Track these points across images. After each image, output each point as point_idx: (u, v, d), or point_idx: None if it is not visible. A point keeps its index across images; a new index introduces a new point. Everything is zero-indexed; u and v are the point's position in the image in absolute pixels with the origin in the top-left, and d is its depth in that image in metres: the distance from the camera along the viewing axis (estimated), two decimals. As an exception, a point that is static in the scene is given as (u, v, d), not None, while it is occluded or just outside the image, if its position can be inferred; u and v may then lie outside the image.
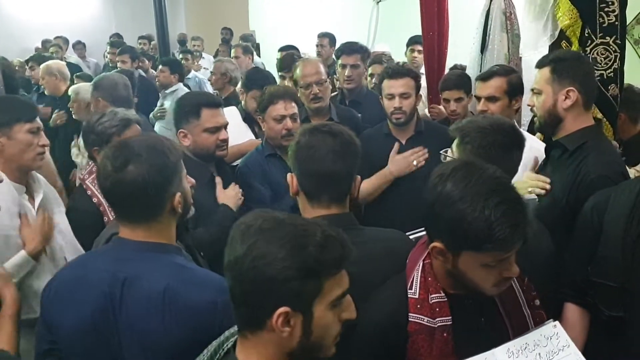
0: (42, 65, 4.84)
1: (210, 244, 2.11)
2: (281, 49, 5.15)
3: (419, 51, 4.48)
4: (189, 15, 11.43)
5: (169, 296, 1.38)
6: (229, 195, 2.47)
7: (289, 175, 1.64)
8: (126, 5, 11.00)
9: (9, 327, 1.64)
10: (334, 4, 7.46)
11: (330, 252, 1.07)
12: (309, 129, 1.65)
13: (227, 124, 2.56)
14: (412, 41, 4.70)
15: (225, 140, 2.53)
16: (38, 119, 2.23)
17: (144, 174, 1.42)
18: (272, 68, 6.31)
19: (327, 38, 5.72)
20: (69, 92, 4.16)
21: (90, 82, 4.57)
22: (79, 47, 9.67)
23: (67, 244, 2.28)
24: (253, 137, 3.34)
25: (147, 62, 6.76)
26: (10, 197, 2.11)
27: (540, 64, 2.15)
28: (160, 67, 5.24)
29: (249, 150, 2.94)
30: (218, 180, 2.50)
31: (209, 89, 6.80)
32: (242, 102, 3.50)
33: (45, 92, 4.84)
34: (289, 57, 4.07)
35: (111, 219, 2.38)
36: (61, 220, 2.31)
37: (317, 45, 5.76)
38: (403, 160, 2.76)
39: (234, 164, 2.98)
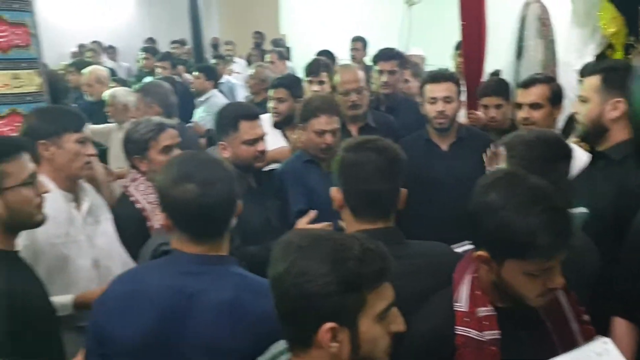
0: (88, 71, 4.90)
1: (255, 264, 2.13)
2: (318, 54, 5.18)
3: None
4: (222, 20, 11.55)
5: (237, 306, 1.41)
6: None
7: (333, 189, 1.66)
8: (161, 10, 11.17)
9: None
10: (364, 7, 7.46)
11: (369, 265, 1.08)
12: (354, 144, 1.66)
13: (264, 134, 2.58)
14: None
15: (264, 151, 2.56)
16: (86, 129, 2.29)
17: (228, 192, 1.46)
18: (303, 72, 6.37)
19: (360, 42, 5.76)
20: (105, 96, 4.24)
21: (125, 87, 4.73)
22: (111, 51, 9.85)
23: (113, 251, 2.32)
24: (284, 143, 3.37)
25: (180, 66, 6.86)
26: (58, 205, 2.16)
27: (588, 72, 2.12)
28: (195, 73, 5.31)
29: (279, 157, 2.96)
30: (311, 213, 2.41)
31: (241, 93, 6.90)
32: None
33: (88, 98, 4.92)
34: (316, 62, 4.09)
35: (154, 224, 2.45)
36: (108, 228, 2.38)
37: (351, 49, 5.79)
38: None
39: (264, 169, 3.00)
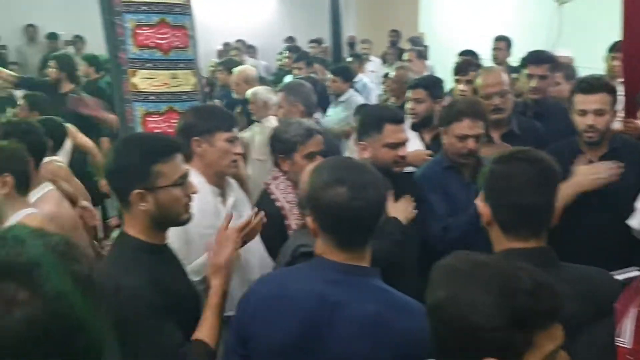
0: (237, 71, 5.13)
1: (382, 258, 2.11)
2: (460, 54, 5.03)
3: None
4: (359, 18, 11.63)
5: (381, 322, 1.39)
6: (400, 209, 2.40)
7: (480, 204, 1.58)
8: (301, 9, 11.47)
9: (211, 318, 1.71)
10: (509, 5, 7.13)
11: (542, 302, 0.99)
12: (505, 156, 1.57)
13: (407, 140, 2.53)
14: (616, 47, 4.25)
15: (404, 157, 2.51)
16: (235, 129, 2.39)
17: (378, 197, 1.46)
18: (441, 72, 6.21)
19: (504, 41, 5.50)
20: (248, 95, 4.43)
21: (265, 85, 4.90)
22: (251, 50, 10.25)
23: (252, 245, 2.41)
24: (420, 146, 3.29)
25: (317, 65, 6.98)
26: (207, 199, 2.28)
27: None
28: (332, 76, 5.38)
29: (415, 161, 2.90)
30: (389, 192, 2.49)
31: (374, 92, 6.90)
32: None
33: (234, 96, 5.18)
34: (465, 62, 3.98)
35: (291, 223, 2.52)
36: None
37: (493, 49, 5.55)
38: (591, 170, 2.47)
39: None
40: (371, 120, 2.52)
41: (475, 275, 1.02)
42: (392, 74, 4.83)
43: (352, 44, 9.62)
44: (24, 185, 2.23)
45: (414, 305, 1.42)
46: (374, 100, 6.35)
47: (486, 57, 5.41)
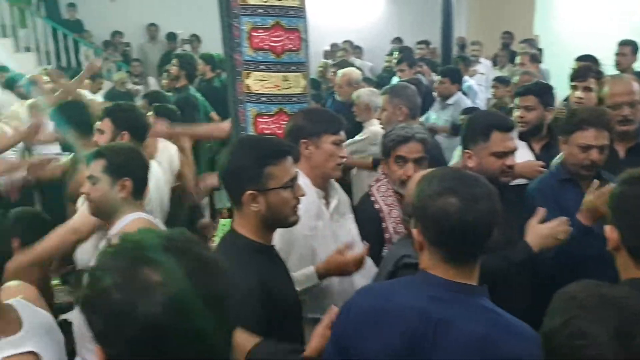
0: (341, 73, 5.14)
1: (489, 274, 2.03)
2: (578, 59, 4.75)
3: None
4: (470, 19, 11.32)
5: (489, 344, 1.34)
6: (540, 234, 2.16)
7: (607, 227, 1.48)
8: (410, 10, 11.32)
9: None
10: (637, 7, 6.63)
11: None
12: (635, 176, 1.47)
13: (516, 149, 2.41)
14: None
15: (512, 166, 2.39)
16: (342, 133, 2.40)
17: (491, 210, 1.41)
18: (555, 76, 5.89)
19: (629, 46, 5.11)
20: (353, 96, 4.44)
21: (371, 87, 4.88)
22: (357, 50, 10.25)
23: (354, 247, 2.41)
24: (530, 156, 3.12)
25: (425, 67, 6.87)
26: (311, 200, 2.31)
27: None
28: (439, 77, 5.27)
29: (525, 172, 2.76)
30: (540, 210, 2.26)
31: (481, 95, 6.68)
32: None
33: (337, 98, 5.21)
34: (584, 67, 3.74)
35: (389, 226, 2.50)
36: (351, 225, 2.48)
37: (616, 54, 5.18)
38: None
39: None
40: (478, 127, 2.42)
41: (594, 308, 0.98)
42: (516, 78, 4.65)
43: (462, 46, 9.37)
44: (140, 191, 2.28)
45: (525, 329, 1.36)
46: (480, 104, 6.16)
47: (608, 63, 5.05)
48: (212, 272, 0.91)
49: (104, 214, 2.25)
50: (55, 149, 4.38)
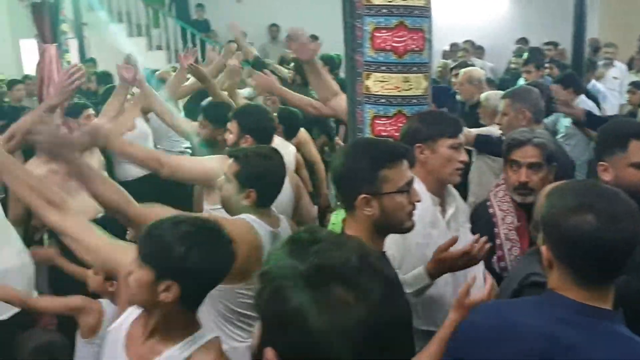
0: (462, 72, 5.01)
1: (628, 297, 1.84)
2: None
3: None
4: (603, 19, 10.54)
5: None
6: None
7: None
8: (537, 9, 10.75)
9: (433, 348, 1.64)
10: None
11: None
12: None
13: None
14: None
15: None
16: (461, 136, 2.30)
17: (633, 231, 1.29)
18: None
19: None
20: (481, 98, 4.26)
21: (492, 88, 4.67)
22: (479, 51, 9.90)
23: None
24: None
25: (555, 69, 6.48)
26: (425, 206, 2.23)
27: None
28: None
29: None
30: None
31: (613, 101, 6.18)
32: None
33: (458, 97, 5.06)
34: None
35: (501, 232, 2.42)
36: (467, 235, 2.36)
37: None
38: None
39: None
40: (613, 136, 2.26)
41: None
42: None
43: (596, 48, 8.74)
44: (265, 202, 2.29)
45: None
46: (610, 110, 5.71)
47: None
48: (401, 295, 0.88)
49: (227, 209, 2.34)
50: (185, 143, 4.63)
